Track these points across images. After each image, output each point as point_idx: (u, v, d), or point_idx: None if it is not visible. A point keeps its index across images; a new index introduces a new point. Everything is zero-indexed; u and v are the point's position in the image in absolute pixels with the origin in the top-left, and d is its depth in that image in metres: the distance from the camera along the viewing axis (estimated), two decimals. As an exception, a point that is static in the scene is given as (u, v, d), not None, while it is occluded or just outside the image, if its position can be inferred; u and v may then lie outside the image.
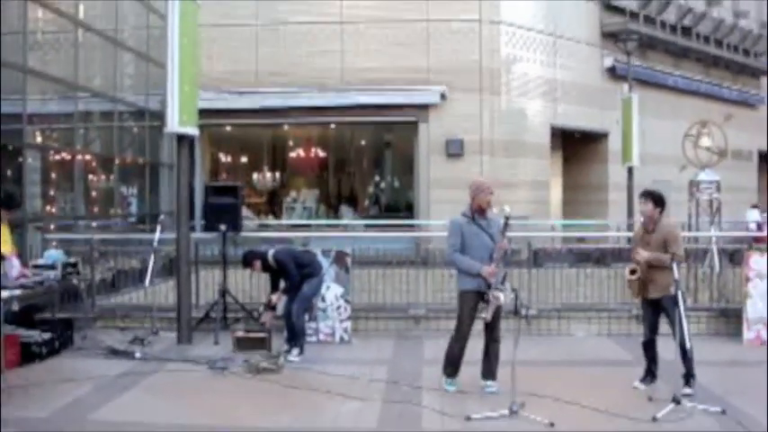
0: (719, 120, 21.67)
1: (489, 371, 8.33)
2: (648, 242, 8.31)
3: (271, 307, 10.25)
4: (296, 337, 9.99)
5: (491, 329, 8.25)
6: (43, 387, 8.54)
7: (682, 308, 7.55)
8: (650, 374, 8.48)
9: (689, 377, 8.05)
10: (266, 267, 10.15)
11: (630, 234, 17.74)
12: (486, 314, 8.02)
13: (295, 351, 9.88)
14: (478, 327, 8.27)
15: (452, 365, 8.32)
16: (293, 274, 9.95)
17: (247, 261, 10.19)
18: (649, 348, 8.47)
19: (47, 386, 8.58)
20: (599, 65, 23.72)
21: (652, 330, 8.43)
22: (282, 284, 10.15)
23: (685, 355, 7.93)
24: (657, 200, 8.40)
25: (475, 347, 8.30)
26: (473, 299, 8.12)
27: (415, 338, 11.41)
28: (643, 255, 8.21)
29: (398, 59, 19.63)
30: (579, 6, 23.18)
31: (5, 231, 9.82)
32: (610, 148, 23.59)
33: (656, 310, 8.35)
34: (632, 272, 8.32)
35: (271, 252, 10.13)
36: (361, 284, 12.01)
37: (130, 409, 7.90)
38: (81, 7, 15.26)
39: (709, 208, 15.97)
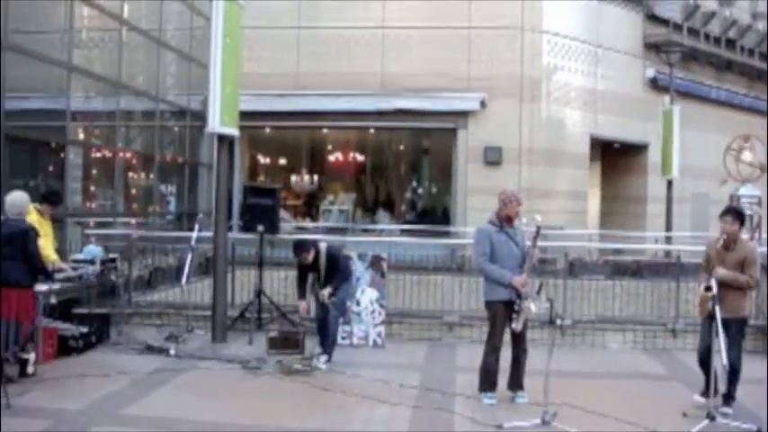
0: (762, 134, 21.41)
1: (517, 382, 8.29)
2: (724, 260, 8.00)
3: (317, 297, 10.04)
4: (327, 343, 9.95)
5: (519, 340, 8.22)
6: (79, 380, 8.63)
7: (720, 326, 7.38)
8: (708, 390, 8.00)
9: (729, 398, 7.92)
10: (310, 264, 9.93)
11: (668, 248, 17.72)
12: (517, 324, 8.00)
13: (323, 358, 9.76)
14: (506, 337, 8.25)
15: (489, 379, 8.23)
16: (342, 270, 9.92)
17: (303, 247, 9.86)
18: (705, 365, 8.10)
19: (82, 379, 8.67)
20: (641, 76, 23.53)
21: (708, 348, 7.93)
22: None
23: (735, 377, 7.81)
24: (742, 218, 8.22)
25: (503, 356, 8.29)
26: (503, 309, 8.09)
27: (448, 345, 11.39)
28: (721, 272, 7.82)
29: (439, 66, 19.61)
30: (622, 17, 23.01)
31: (47, 226, 9.95)
32: (649, 159, 23.39)
33: (712, 326, 7.81)
34: (707, 289, 7.76)
35: (324, 244, 10.01)
36: (396, 289, 12.01)
37: (163, 405, 7.97)
38: (126, 7, 15.43)
39: (749, 223, 15.78)
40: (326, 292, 9.71)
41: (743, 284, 7.90)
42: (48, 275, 8.97)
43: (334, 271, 9.85)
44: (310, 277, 10.05)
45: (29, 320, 8.60)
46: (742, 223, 8.20)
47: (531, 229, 7.94)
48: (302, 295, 10.07)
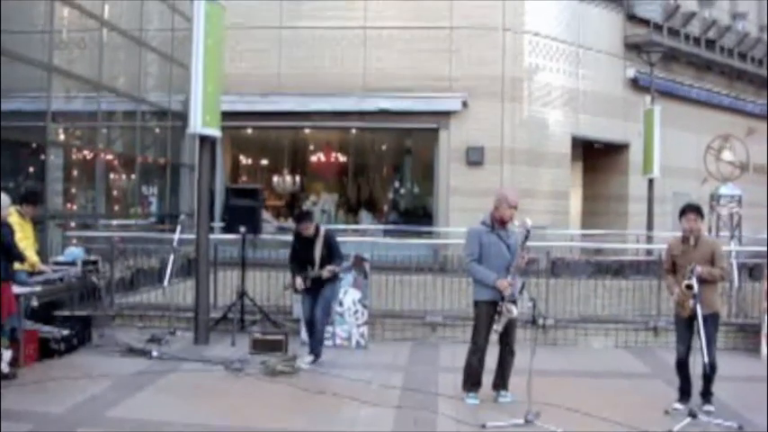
0: (742, 134, 21.56)
1: (502, 382, 8.33)
2: (693, 257, 7.96)
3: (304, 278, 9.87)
4: (315, 342, 9.94)
5: (506, 342, 8.24)
6: (61, 383, 8.59)
7: (701, 323, 7.46)
8: (686, 394, 8.05)
9: (709, 394, 7.98)
10: (307, 240, 9.82)
11: (649, 246, 17.80)
12: (498, 325, 8.01)
13: (309, 358, 9.82)
14: (494, 337, 8.26)
15: (473, 379, 8.26)
16: (341, 255, 9.97)
17: (309, 217, 10.01)
18: (684, 367, 8.09)
19: (64, 382, 8.63)
20: (621, 76, 23.61)
21: (688, 348, 8.00)
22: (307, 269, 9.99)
23: (712, 373, 7.86)
24: (703, 215, 8.27)
25: (489, 357, 8.30)
26: (488, 309, 8.10)
27: (431, 345, 11.41)
28: (699, 269, 7.74)
29: (421, 66, 19.61)
30: (603, 17, 23.09)
31: (28, 228, 9.92)
32: (631, 159, 23.47)
33: (690, 326, 7.89)
34: (689, 287, 7.72)
35: (324, 227, 10.09)
36: (378, 290, 12.02)
37: (146, 407, 7.94)
38: (106, 7, 15.36)
39: (729, 222, 15.89)
40: (328, 268, 9.68)
41: (717, 278, 7.99)
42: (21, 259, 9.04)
43: (331, 254, 9.82)
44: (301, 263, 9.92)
45: (8, 314, 8.56)
46: (703, 219, 8.29)
47: (521, 231, 7.95)
48: (296, 272, 9.94)
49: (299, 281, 9.85)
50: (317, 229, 9.86)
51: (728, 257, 13.29)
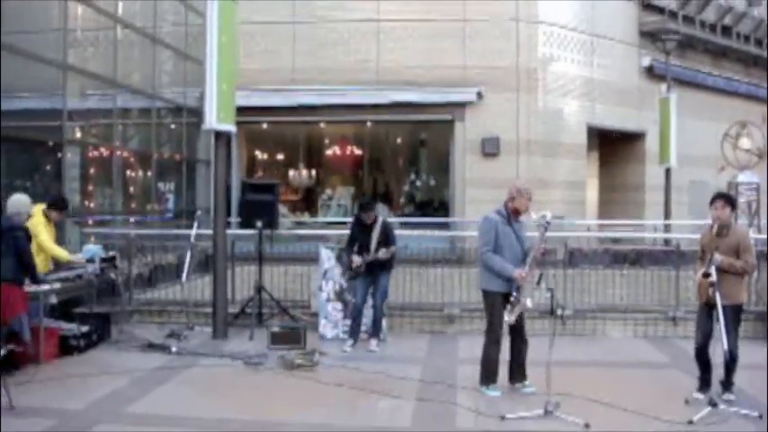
0: (759, 120, 21.40)
1: (521, 372, 8.30)
2: (719, 247, 7.89)
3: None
4: (377, 327, 10.53)
5: (519, 331, 8.22)
6: (81, 379, 8.64)
7: (721, 313, 7.39)
8: (706, 383, 8.00)
9: (729, 384, 7.93)
10: (365, 227, 10.51)
11: (667, 236, 17.72)
12: (510, 316, 7.97)
13: (374, 341, 10.42)
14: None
15: (491, 371, 8.22)
16: (395, 242, 10.56)
17: (368, 206, 10.81)
18: (703, 355, 8.04)
19: (84, 378, 8.67)
20: (637, 64, 23.51)
21: (706, 336, 7.95)
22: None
23: (732, 363, 7.82)
24: (732, 203, 8.21)
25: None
26: (501, 299, 8.09)
27: (449, 337, 11.41)
28: (718, 258, 7.72)
29: (435, 58, 19.61)
30: (617, 5, 22.97)
31: (52, 229, 9.99)
32: (647, 148, 23.39)
33: (710, 314, 7.81)
34: (706, 275, 7.72)
35: (381, 217, 10.82)
36: (396, 283, 12.00)
37: (166, 402, 7.99)
38: (120, 5, 15.40)
39: (747, 210, 15.79)
40: (383, 250, 10.34)
41: (739, 270, 7.89)
42: (34, 279, 9.01)
43: (387, 240, 10.44)
44: (356, 246, 10.61)
45: (11, 315, 8.58)
46: (733, 208, 8.21)
47: (542, 223, 7.88)
48: (352, 253, 10.64)
49: (357, 260, 10.48)
50: (376, 218, 10.56)
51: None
